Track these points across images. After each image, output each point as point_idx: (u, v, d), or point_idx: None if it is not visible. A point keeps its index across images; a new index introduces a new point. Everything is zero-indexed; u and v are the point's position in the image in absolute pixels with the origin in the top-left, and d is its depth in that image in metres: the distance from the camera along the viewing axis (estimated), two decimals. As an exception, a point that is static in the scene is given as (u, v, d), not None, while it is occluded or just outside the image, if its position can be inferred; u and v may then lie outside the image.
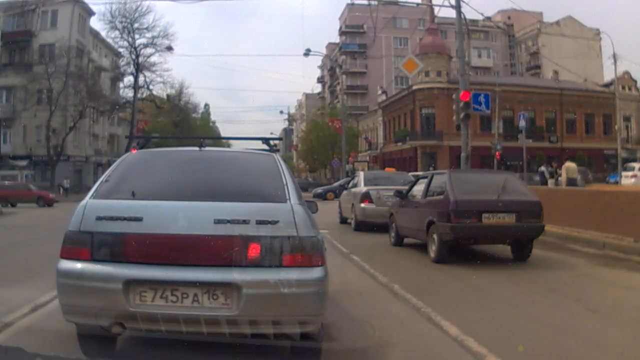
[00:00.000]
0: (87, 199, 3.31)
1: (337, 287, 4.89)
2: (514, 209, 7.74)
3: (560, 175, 18.19)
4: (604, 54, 52.32)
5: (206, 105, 75.47)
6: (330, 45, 71.62)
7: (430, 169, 35.23)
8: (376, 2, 34.21)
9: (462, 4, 16.99)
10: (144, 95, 47.37)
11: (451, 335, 4.18)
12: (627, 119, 48.19)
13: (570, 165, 16.81)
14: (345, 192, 15.84)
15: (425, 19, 49.17)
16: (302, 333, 3.12)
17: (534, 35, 64.84)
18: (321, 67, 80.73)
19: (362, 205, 12.68)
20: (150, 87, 46.56)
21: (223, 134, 70.32)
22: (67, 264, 3.09)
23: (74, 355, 3.23)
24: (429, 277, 7.03)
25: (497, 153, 26.57)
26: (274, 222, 3.08)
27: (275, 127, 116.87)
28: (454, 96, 17.99)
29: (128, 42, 44.65)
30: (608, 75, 51.33)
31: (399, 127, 49.63)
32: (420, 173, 17.05)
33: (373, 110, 59.01)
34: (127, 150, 13.85)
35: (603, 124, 47.07)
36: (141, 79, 45.58)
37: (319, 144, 56.22)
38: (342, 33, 69.75)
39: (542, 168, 22.80)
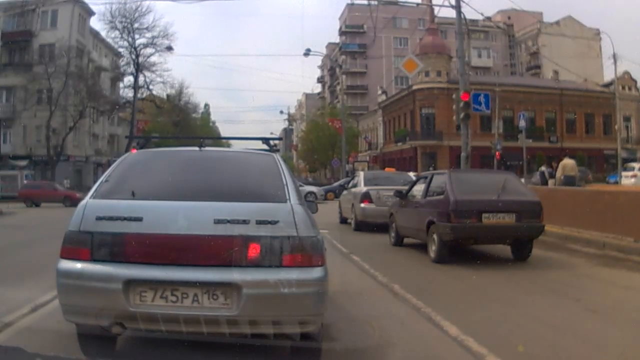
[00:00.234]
0: (87, 199, 3.31)
1: (337, 287, 4.90)
2: (514, 209, 7.74)
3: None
4: (604, 54, 52.34)
5: (206, 105, 75.45)
6: (330, 45, 71.66)
7: (430, 169, 35.24)
8: (376, 2, 34.19)
9: (462, 4, 17.01)
10: (144, 95, 47.32)
11: (451, 335, 4.18)
12: (627, 119, 48.18)
13: (567, 162, 15.74)
14: (345, 192, 15.84)
15: (425, 19, 49.24)
16: (302, 333, 3.12)
17: (534, 35, 64.83)
18: (321, 67, 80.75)
19: (362, 205, 12.68)
20: (150, 87, 46.54)
21: (223, 134, 70.38)
22: (67, 264, 3.09)
23: (74, 355, 3.23)
24: (429, 277, 7.03)
25: (497, 153, 26.57)
26: (274, 222, 3.08)
27: (275, 127, 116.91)
28: (454, 96, 17.97)
29: (128, 42, 44.62)
30: (608, 75, 51.36)
31: (399, 127, 49.63)
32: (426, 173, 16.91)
33: (373, 110, 59.02)
34: (127, 150, 13.85)
35: (603, 124, 47.07)
36: (141, 79, 45.57)
37: (319, 144, 56.23)
38: (342, 33, 69.77)
39: (543, 168, 22.74)
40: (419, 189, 9.38)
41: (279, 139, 36.26)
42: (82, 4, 44.00)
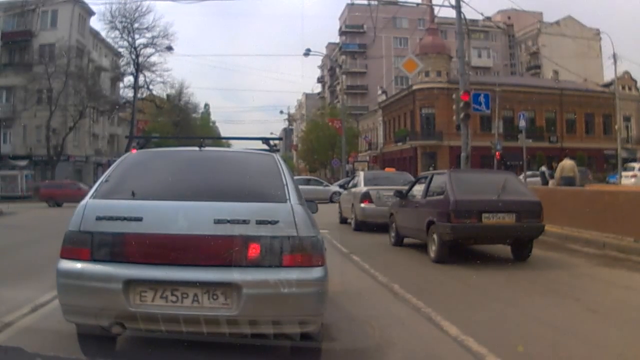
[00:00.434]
0: (87, 199, 3.31)
1: (337, 287, 4.89)
2: (514, 209, 7.74)
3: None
4: (604, 54, 52.31)
5: (206, 105, 75.46)
6: (330, 45, 71.65)
7: (430, 169, 35.25)
8: (376, 2, 34.22)
9: (462, 4, 17.04)
10: (144, 95, 47.32)
11: (451, 335, 4.18)
12: (627, 119, 48.16)
13: (566, 163, 15.41)
14: (345, 192, 15.83)
15: (425, 19, 49.29)
16: (302, 333, 3.12)
17: (534, 35, 64.83)
18: (321, 67, 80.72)
19: (362, 205, 12.68)
20: (150, 87, 46.54)
21: (223, 134, 70.39)
22: (67, 264, 3.09)
23: (74, 355, 3.23)
24: (429, 277, 7.03)
25: (497, 153, 26.53)
26: (274, 222, 3.08)
27: (275, 127, 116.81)
28: (454, 96, 17.98)
29: (128, 42, 44.64)
30: (608, 75, 51.38)
31: (399, 127, 49.61)
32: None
33: (373, 110, 58.98)
34: (127, 150, 13.84)
35: (603, 124, 47.04)
36: (141, 79, 45.58)
37: (319, 144, 56.21)
38: (342, 33, 69.75)
39: (543, 168, 22.76)
40: (419, 189, 9.38)
41: (279, 139, 36.19)
42: (82, 4, 44.01)
